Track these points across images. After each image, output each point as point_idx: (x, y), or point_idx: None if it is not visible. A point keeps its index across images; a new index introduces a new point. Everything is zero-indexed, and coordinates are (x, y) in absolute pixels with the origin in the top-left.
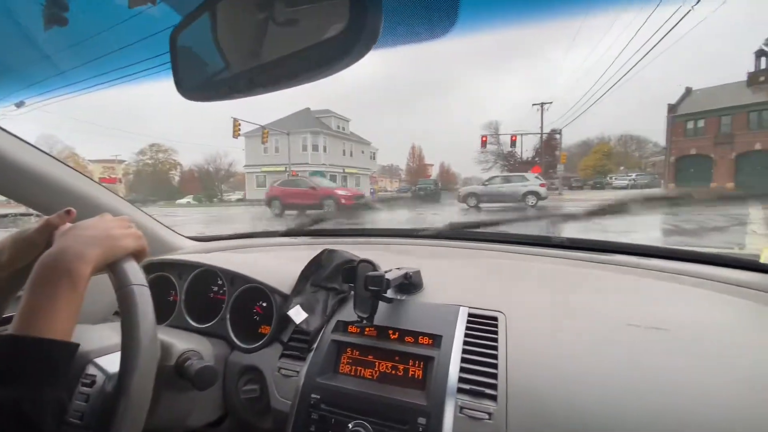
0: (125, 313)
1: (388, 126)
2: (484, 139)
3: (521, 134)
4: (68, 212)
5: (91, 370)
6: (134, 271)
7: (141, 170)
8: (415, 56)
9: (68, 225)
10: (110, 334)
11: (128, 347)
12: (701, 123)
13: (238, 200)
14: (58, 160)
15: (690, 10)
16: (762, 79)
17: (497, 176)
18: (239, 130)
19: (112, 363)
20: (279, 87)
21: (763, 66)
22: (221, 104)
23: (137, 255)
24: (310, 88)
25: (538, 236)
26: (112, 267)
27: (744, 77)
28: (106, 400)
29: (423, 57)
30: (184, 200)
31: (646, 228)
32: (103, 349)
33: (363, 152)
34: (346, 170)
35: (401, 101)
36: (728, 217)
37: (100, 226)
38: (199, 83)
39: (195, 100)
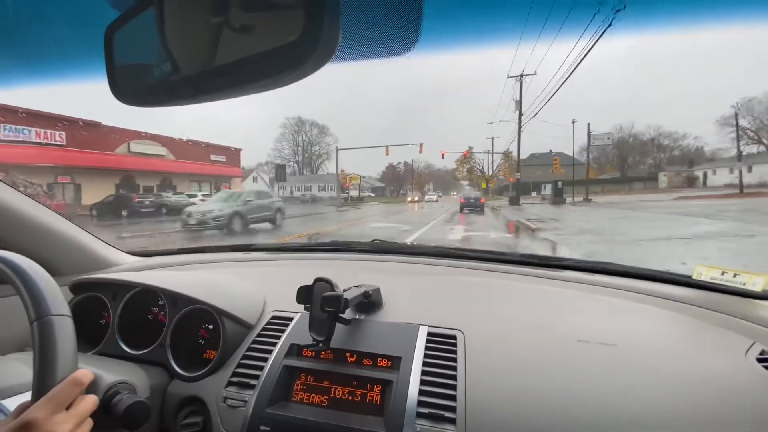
0: (41, 348)
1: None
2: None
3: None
4: None
5: None
6: (54, 298)
7: None
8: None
9: None
10: (22, 370)
11: (41, 391)
12: None
13: None
14: None
15: (600, 38)
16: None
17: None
18: None
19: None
20: (225, 95)
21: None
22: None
23: None
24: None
25: (495, 252)
26: (27, 291)
27: None
28: None
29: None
30: None
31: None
32: (9, 389)
33: None
34: None
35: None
36: None
37: None
38: (136, 86)
39: (131, 105)
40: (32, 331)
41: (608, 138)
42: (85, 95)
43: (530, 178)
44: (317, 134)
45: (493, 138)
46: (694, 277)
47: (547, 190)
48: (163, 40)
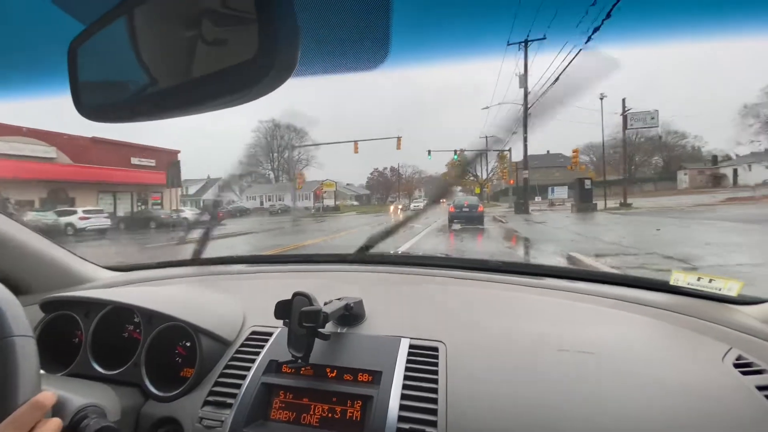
0: (1, 371)
1: None
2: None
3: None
4: None
5: None
6: (16, 318)
7: None
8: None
9: None
10: None
11: (2, 415)
12: None
13: None
14: None
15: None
16: None
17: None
18: None
19: None
20: (187, 112)
21: None
22: None
23: None
24: None
25: (477, 260)
26: None
27: None
28: None
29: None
30: None
31: None
32: None
33: None
34: None
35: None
36: None
37: None
38: (100, 102)
39: (95, 120)
40: None
41: (651, 118)
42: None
43: (530, 181)
44: (296, 138)
45: (487, 137)
46: (671, 282)
47: (556, 194)
48: (129, 56)
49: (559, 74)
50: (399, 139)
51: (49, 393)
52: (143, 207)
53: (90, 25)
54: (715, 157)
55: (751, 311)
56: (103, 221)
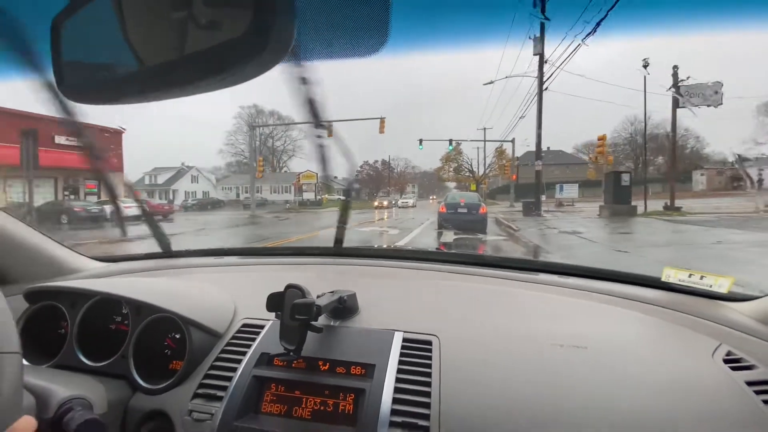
0: None
1: None
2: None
3: None
4: None
5: None
6: (4, 332)
7: None
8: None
9: None
10: None
11: None
12: None
13: None
14: None
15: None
16: None
17: None
18: None
19: None
20: (176, 94)
21: None
22: None
23: None
24: None
25: (471, 255)
26: None
27: None
28: None
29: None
30: None
31: None
32: None
33: None
34: None
35: None
36: None
37: None
38: (83, 82)
39: (77, 102)
40: None
41: (715, 92)
42: None
43: (528, 179)
44: (281, 127)
45: (485, 128)
46: (663, 278)
47: (565, 192)
48: (115, 33)
49: (583, 38)
50: (382, 120)
51: (28, 420)
52: (72, 197)
53: (73, 1)
54: (739, 156)
55: (741, 308)
56: None
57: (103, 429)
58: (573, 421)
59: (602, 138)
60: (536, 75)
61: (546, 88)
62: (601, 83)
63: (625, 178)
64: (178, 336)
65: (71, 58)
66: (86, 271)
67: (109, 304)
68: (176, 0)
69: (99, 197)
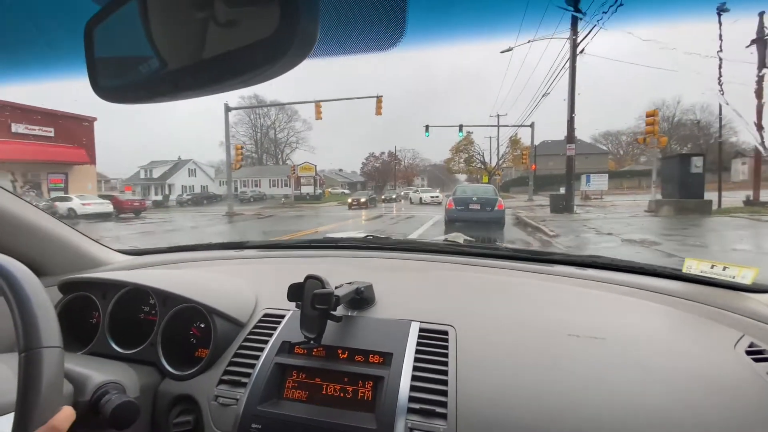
0: (25, 384)
1: None
2: None
3: None
4: None
5: None
6: (47, 328)
7: None
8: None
9: None
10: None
11: (22, 426)
12: None
13: None
14: None
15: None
16: None
17: None
18: None
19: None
20: (207, 92)
21: None
22: None
23: None
24: None
25: (487, 246)
26: (21, 318)
27: None
28: None
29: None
30: None
31: None
32: None
33: None
34: None
35: None
36: None
37: None
38: (117, 83)
39: (112, 101)
40: (19, 361)
41: None
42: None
43: (543, 170)
44: (283, 118)
45: (498, 115)
46: (684, 270)
47: (593, 184)
48: (146, 34)
49: None
50: (379, 99)
51: (68, 412)
52: (33, 193)
53: (106, 5)
54: None
55: (764, 299)
56: None
57: (138, 410)
58: (591, 413)
59: (653, 113)
60: (568, 36)
61: (582, 51)
62: (633, 65)
63: (697, 163)
64: (203, 325)
65: (104, 61)
66: (114, 264)
67: (138, 294)
68: (202, 2)
69: (66, 192)
